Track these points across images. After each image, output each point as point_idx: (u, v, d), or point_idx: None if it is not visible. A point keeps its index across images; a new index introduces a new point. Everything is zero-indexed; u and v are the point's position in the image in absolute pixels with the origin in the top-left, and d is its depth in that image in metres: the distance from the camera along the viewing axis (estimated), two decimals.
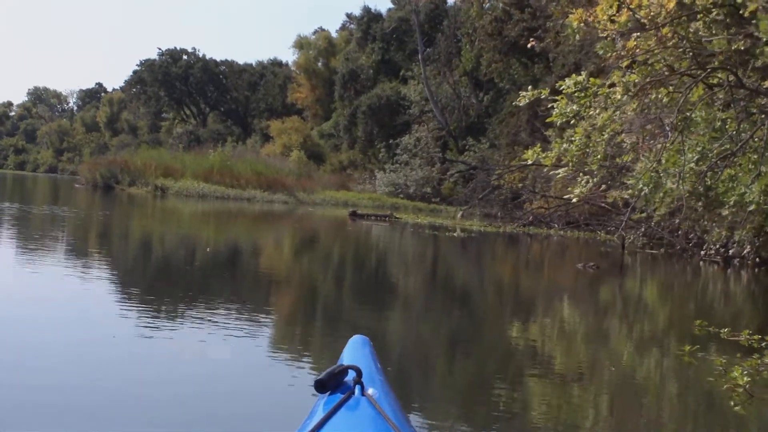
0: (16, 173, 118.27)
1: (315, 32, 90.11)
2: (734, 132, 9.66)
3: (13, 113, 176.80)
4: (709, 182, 10.45)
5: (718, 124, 10.03)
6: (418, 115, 62.81)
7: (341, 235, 24.45)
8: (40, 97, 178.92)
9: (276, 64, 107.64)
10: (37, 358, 5.86)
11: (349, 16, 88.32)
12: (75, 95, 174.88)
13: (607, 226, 28.67)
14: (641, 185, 10.75)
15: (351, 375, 2.76)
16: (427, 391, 6.11)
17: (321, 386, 2.70)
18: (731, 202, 10.03)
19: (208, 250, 14.46)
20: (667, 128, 9.73)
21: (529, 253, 22.53)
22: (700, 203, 13.08)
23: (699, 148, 10.26)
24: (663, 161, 10.50)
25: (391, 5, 75.53)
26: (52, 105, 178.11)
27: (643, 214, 18.29)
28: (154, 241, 17.28)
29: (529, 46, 15.67)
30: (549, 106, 13.23)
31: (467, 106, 61.45)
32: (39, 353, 6.03)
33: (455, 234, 26.20)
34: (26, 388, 5.11)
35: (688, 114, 9.97)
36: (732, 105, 9.57)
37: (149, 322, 7.43)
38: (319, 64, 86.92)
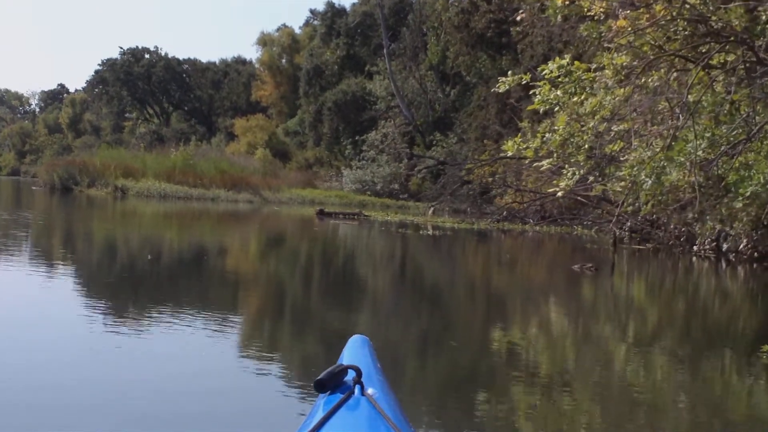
0: None
1: (278, 29, 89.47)
2: (747, 115, 8.72)
3: None
4: (719, 171, 9.52)
5: (728, 106, 9.09)
6: (385, 111, 62.22)
7: (309, 235, 23.46)
8: (1, 99, 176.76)
9: (240, 61, 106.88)
10: (12, 363, 5.79)
11: (312, 11, 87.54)
12: (37, 97, 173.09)
13: (583, 220, 27.93)
14: (643, 176, 9.78)
15: (351, 375, 2.71)
16: (427, 391, 6.02)
17: (321, 386, 2.65)
18: (747, 193, 9.10)
19: (149, 257, 13.49)
20: (677, 111, 8.79)
21: (511, 251, 21.54)
22: (693, 194, 12.17)
23: (707, 134, 9.31)
24: (661, 149, 9.57)
25: (354, 0, 74.87)
26: (13, 107, 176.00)
27: (630, 208, 17.40)
28: (111, 246, 16.28)
29: (517, 19, 14.72)
30: (531, 92, 12.33)
31: (434, 101, 61.03)
32: (11, 358, 5.95)
33: (429, 232, 25.30)
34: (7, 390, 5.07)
35: (689, 98, 9.06)
36: (746, 83, 8.63)
37: (134, 329, 7.35)
38: (283, 61, 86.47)
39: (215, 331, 7.37)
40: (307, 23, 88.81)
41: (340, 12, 74.40)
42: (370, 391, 2.64)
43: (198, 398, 5.25)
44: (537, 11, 21.86)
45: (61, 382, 5.32)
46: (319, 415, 2.49)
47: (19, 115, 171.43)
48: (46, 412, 4.69)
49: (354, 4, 74.00)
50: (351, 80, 66.59)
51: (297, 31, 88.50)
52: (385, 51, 63.12)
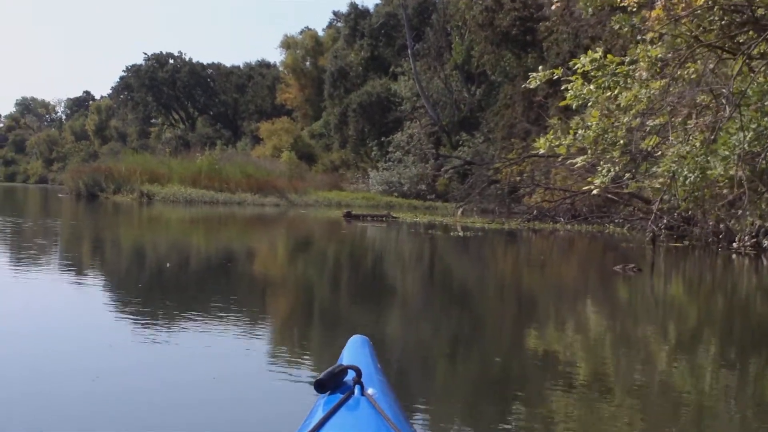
0: (6, 185, 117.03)
1: (302, 32, 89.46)
2: None
3: (1, 124, 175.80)
4: (765, 164, 9.12)
5: None
6: (410, 112, 62.03)
7: (337, 238, 23.16)
8: (28, 107, 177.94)
9: (263, 65, 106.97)
10: (36, 368, 5.78)
11: (335, 13, 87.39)
12: (63, 104, 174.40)
13: (615, 218, 27.57)
14: (685, 171, 9.37)
15: (350, 375, 2.71)
16: (460, 395, 5.83)
17: (321, 386, 2.66)
18: None
19: (168, 265, 13.21)
20: (722, 102, 8.41)
21: (545, 251, 20.99)
22: (734, 189, 11.74)
23: (753, 125, 8.90)
24: (702, 142, 9.19)
25: (378, 1, 74.63)
26: (40, 115, 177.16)
27: (666, 205, 16.92)
28: (138, 252, 16.10)
29: (552, 8, 14.42)
30: (563, 88, 11.98)
31: (459, 101, 60.76)
32: (38, 363, 5.94)
33: (459, 233, 24.91)
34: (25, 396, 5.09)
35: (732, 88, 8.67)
36: None
37: (141, 330, 7.31)
38: (307, 63, 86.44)
39: (232, 332, 7.37)
40: (330, 25, 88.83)
41: (364, 13, 74.22)
42: (370, 391, 2.65)
43: (197, 397, 5.26)
44: (567, 3, 21.54)
45: (65, 391, 5.26)
46: (319, 415, 2.50)
47: (45, 123, 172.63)
48: (54, 419, 4.67)
49: (377, 5, 73.83)
50: (376, 81, 66.37)
51: (320, 33, 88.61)
52: (409, 51, 62.91)
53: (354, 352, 3.09)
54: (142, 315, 8.14)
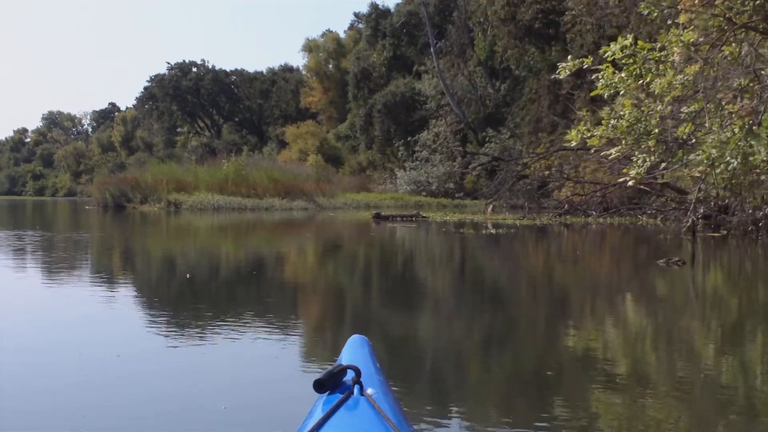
0: (35, 199, 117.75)
1: (323, 34, 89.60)
2: None
3: (28, 139, 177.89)
4: None
5: None
6: (435, 110, 61.94)
7: (366, 240, 22.89)
8: (54, 121, 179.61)
9: (287, 69, 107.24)
10: (58, 373, 5.81)
11: (356, 14, 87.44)
12: (89, 117, 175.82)
13: (648, 209, 27.21)
14: (728, 157, 9.01)
15: (350, 375, 2.74)
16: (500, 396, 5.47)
17: (320, 386, 2.68)
18: None
19: (188, 276, 13.01)
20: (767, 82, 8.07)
21: (581, 246, 20.47)
22: (765, 176, 11.39)
23: None
24: (741, 127, 8.85)
25: (398, 0, 74.53)
26: (66, 128, 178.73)
27: (702, 194, 16.50)
28: (166, 261, 15.90)
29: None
30: (593, 77, 11.65)
31: (484, 97, 60.59)
32: (60, 367, 5.98)
33: (491, 230, 24.58)
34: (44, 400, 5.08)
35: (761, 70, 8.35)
36: None
37: (149, 332, 7.43)
38: (330, 66, 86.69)
39: (233, 331, 7.36)
40: (351, 27, 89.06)
41: (385, 13, 74.26)
42: (369, 390, 2.67)
43: (196, 398, 5.19)
44: None
45: (60, 408, 5.06)
46: (318, 415, 2.52)
47: (72, 136, 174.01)
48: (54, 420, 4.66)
49: (398, 4, 73.93)
50: (399, 81, 66.38)
51: (342, 35, 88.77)
52: (432, 49, 62.85)
53: (353, 351, 3.10)
54: (156, 324, 8.03)
